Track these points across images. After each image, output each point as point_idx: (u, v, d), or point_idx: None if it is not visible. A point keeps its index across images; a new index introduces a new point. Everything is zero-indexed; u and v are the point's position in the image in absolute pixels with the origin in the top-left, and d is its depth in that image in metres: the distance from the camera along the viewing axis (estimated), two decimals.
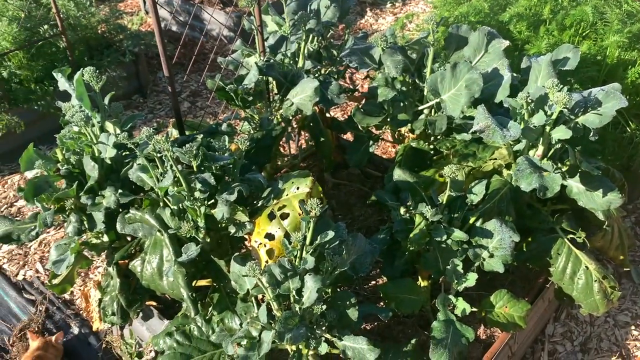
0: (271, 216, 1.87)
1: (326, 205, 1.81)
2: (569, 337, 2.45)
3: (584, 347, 2.41)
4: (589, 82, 2.73)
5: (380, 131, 2.69)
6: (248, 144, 1.88)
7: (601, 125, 1.99)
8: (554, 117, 2.01)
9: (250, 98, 2.50)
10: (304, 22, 2.35)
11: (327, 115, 2.88)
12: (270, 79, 2.48)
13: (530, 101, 2.05)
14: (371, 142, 2.66)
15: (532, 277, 2.33)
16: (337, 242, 1.85)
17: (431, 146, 2.53)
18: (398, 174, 2.17)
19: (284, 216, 1.85)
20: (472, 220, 2.07)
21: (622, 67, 2.79)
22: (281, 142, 2.88)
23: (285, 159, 2.94)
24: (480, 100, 2.19)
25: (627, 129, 2.77)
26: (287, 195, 1.89)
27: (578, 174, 2.08)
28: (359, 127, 2.61)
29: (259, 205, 1.99)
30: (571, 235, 2.16)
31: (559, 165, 2.09)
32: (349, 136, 3.04)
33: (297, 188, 1.88)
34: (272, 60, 2.50)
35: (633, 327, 2.47)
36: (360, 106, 2.59)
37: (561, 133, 2.01)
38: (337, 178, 2.97)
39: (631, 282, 2.66)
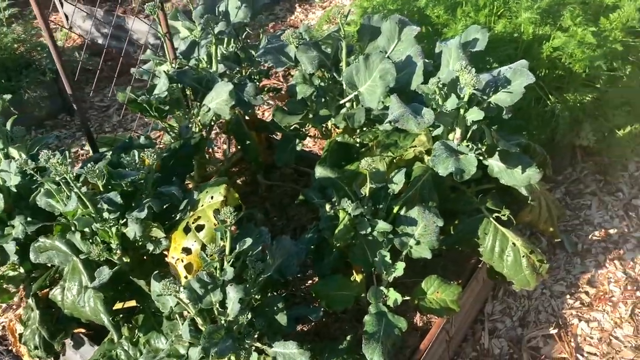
0: (187, 229, 1.81)
1: (242, 212, 1.76)
2: (507, 313, 2.49)
3: (523, 322, 2.45)
4: (507, 61, 2.76)
5: (305, 129, 2.66)
6: (155, 157, 1.81)
7: (513, 102, 2.01)
8: (465, 99, 2.01)
9: (167, 107, 2.43)
10: (211, 26, 2.29)
11: (255, 117, 2.83)
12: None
13: (442, 86, 2.05)
14: (297, 141, 2.63)
15: (463, 260, 2.34)
16: (259, 248, 1.82)
17: (357, 139, 2.51)
18: (320, 171, 2.15)
19: (200, 228, 1.79)
20: (395, 209, 2.06)
21: (537, 42, 2.83)
22: (211, 149, 2.82)
23: (216, 165, 2.87)
24: (396, 89, 2.18)
25: (548, 102, 2.83)
26: (202, 205, 1.84)
27: (497, 153, 2.10)
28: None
29: (177, 218, 1.93)
30: (496, 214, 2.18)
31: (479, 146, 2.11)
32: None
33: (212, 197, 1.83)
34: (185, 67, 2.44)
35: (568, 296, 2.52)
36: (282, 105, 2.55)
37: (475, 114, 2.02)
38: (270, 179, 2.93)
39: (565, 251, 2.72)
